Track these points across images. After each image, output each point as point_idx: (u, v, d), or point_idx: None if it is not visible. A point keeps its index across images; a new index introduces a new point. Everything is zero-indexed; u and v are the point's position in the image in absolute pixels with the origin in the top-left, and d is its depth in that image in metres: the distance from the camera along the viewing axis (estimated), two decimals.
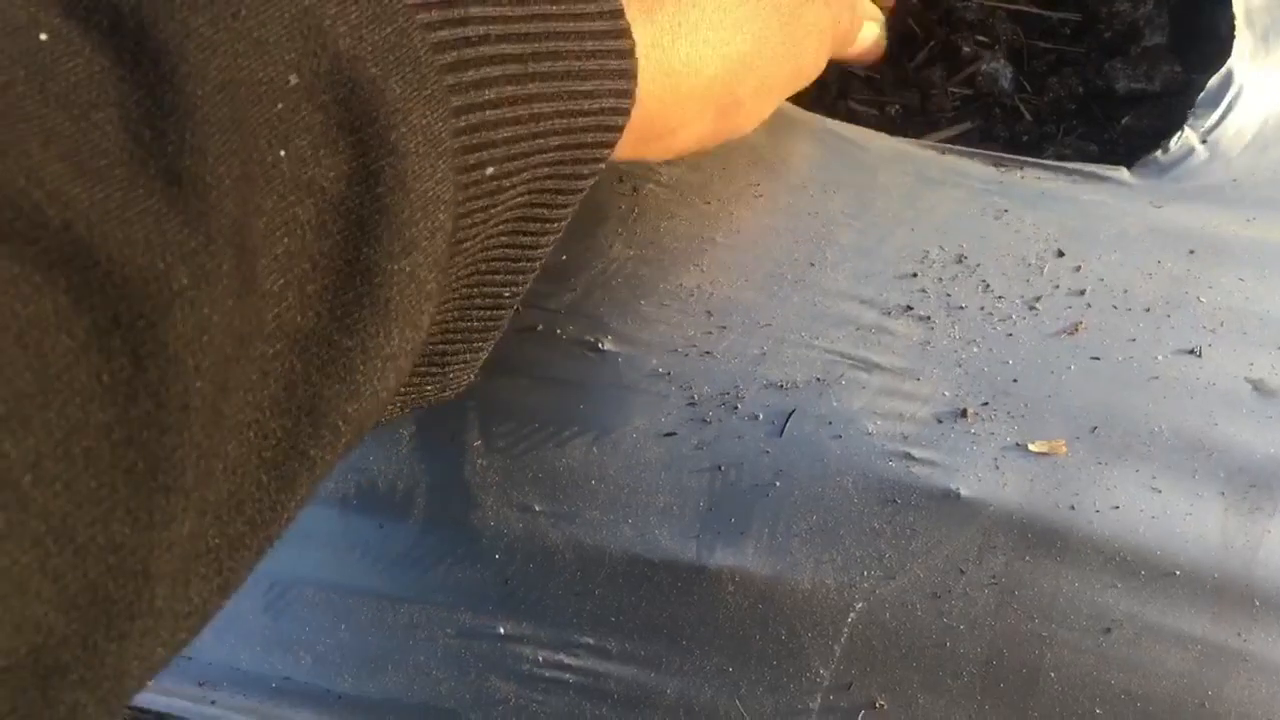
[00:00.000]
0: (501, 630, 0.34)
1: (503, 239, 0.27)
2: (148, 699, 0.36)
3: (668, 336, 0.34)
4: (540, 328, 0.34)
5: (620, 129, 0.28)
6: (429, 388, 0.28)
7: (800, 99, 0.42)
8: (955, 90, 0.43)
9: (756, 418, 0.33)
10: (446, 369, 0.28)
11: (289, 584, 0.35)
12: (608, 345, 0.34)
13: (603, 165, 0.28)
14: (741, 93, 0.33)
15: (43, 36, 0.19)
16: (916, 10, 0.45)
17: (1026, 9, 0.45)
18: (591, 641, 0.34)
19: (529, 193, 0.26)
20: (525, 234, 0.27)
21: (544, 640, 0.34)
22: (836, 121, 0.38)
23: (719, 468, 0.33)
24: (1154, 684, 0.31)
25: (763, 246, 0.35)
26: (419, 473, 0.35)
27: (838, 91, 0.44)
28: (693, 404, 0.34)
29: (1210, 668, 0.31)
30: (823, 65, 0.36)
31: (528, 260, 0.28)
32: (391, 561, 0.35)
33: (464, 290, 0.27)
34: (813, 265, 0.35)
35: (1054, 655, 0.31)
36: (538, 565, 0.34)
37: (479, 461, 0.34)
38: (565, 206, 0.28)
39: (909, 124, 0.43)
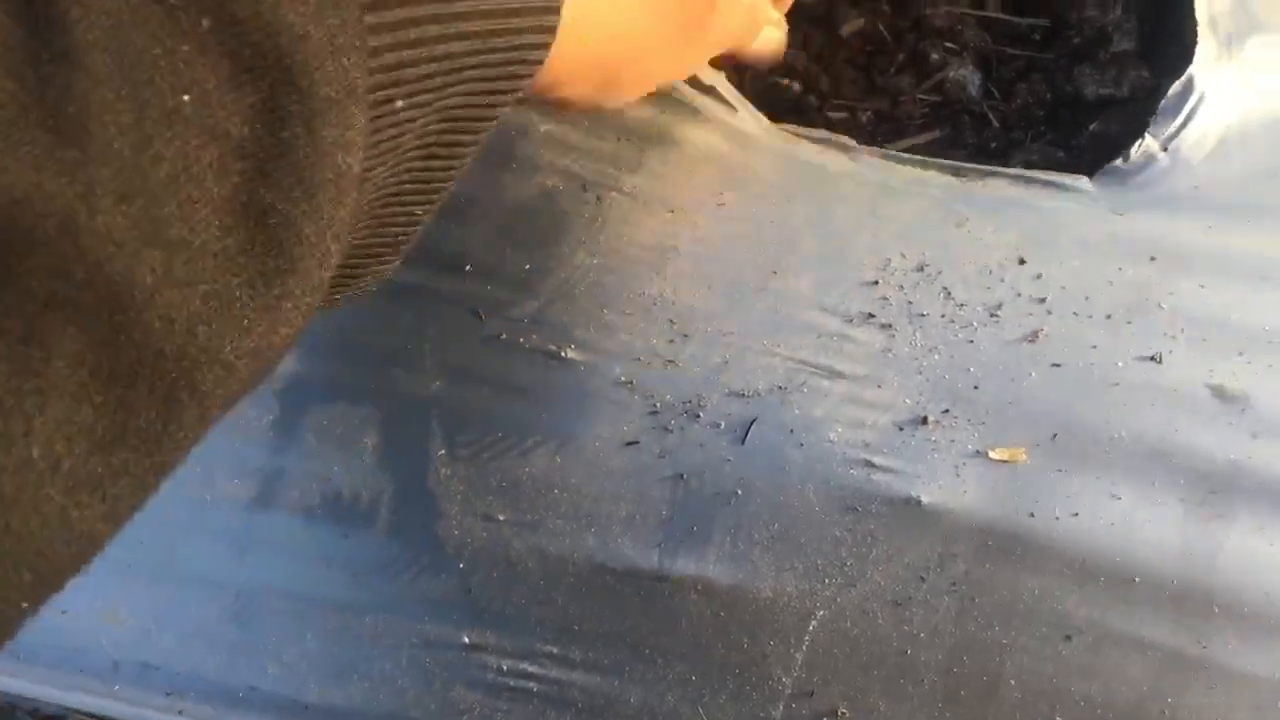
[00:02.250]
0: (466, 639, 0.34)
1: (415, 164, 0.27)
2: (115, 709, 0.36)
3: (630, 345, 0.34)
4: (503, 336, 0.34)
5: (534, 70, 0.28)
6: (336, 295, 0.28)
7: (779, 107, 0.42)
8: (924, 97, 0.44)
9: (719, 426, 0.33)
10: (358, 279, 0.28)
11: (255, 594, 0.35)
12: (571, 354, 0.34)
13: (519, 94, 0.28)
14: (625, 76, 0.33)
15: None
16: (887, 18, 0.45)
17: (996, 15, 0.45)
18: (555, 650, 0.34)
19: (440, 120, 0.26)
20: (437, 158, 0.27)
21: (508, 649, 0.34)
22: (796, 130, 0.38)
23: (681, 476, 0.33)
24: (1115, 691, 0.31)
25: (725, 255, 0.35)
26: (383, 482, 0.35)
27: (818, 103, 0.44)
28: (655, 413, 0.34)
29: (1171, 674, 0.31)
30: (703, 63, 0.37)
31: (440, 182, 0.28)
32: (357, 571, 0.35)
33: (376, 211, 0.27)
34: (775, 273, 0.35)
35: (1014, 662, 0.31)
36: (501, 574, 0.34)
37: (442, 471, 0.34)
38: (480, 132, 0.28)
39: (879, 130, 0.43)
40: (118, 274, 0.20)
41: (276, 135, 0.22)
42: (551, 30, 0.28)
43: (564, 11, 0.28)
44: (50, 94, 0.19)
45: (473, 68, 0.26)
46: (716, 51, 0.37)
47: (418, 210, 0.28)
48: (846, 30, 0.45)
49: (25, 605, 0.20)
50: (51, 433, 0.20)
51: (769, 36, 0.41)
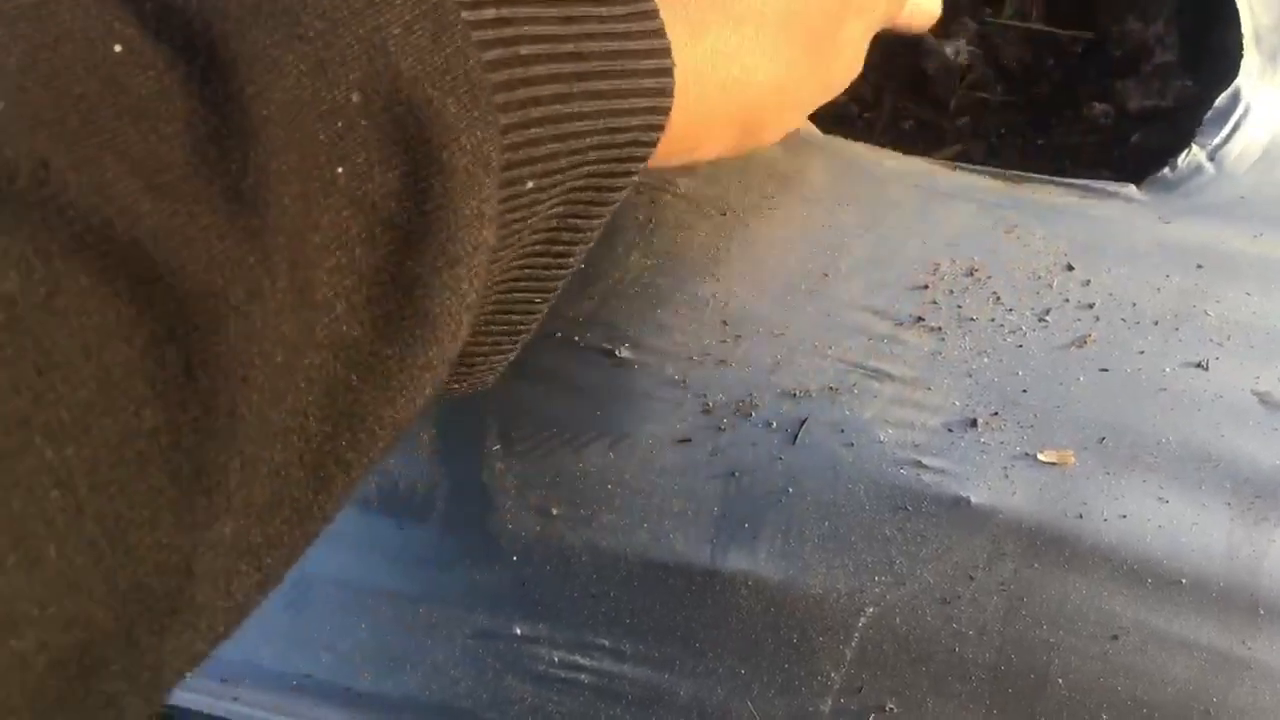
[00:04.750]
0: (518, 631, 0.35)
1: (537, 248, 0.27)
2: (172, 695, 0.37)
3: (683, 345, 0.35)
4: (559, 335, 0.35)
5: (654, 144, 0.29)
6: (455, 385, 0.29)
7: (821, 115, 0.42)
8: (964, 107, 0.44)
9: (770, 425, 0.34)
10: (474, 368, 0.29)
11: (311, 583, 0.36)
12: (625, 353, 0.35)
13: (636, 178, 0.29)
14: (768, 113, 0.33)
15: (117, 48, 0.19)
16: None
17: (1038, 28, 0.45)
18: (606, 643, 0.34)
19: (564, 204, 0.27)
20: (559, 243, 0.28)
21: (560, 641, 0.34)
22: (847, 140, 0.39)
23: (733, 474, 0.34)
24: (1160, 690, 0.32)
25: (777, 258, 0.36)
26: (439, 475, 0.35)
27: (859, 111, 0.45)
28: (707, 411, 0.34)
29: (1215, 675, 0.32)
30: (855, 74, 0.37)
31: (560, 268, 0.28)
32: (411, 562, 0.36)
33: (498, 296, 0.27)
34: (826, 276, 0.36)
35: (1061, 661, 0.32)
36: (554, 567, 0.34)
37: (497, 465, 0.35)
38: (598, 217, 0.29)
39: (921, 138, 0.43)
40: (286, 337, 0.21)
41: (420, 208, 0.23)
42: (665, 111, 0.28)
43: (679, 75, 0.28)
44: (232, 166, 0.20)
45: (595, 149, 0.27)
46: (859, 61, 0.37)
47: (536, 299, 0.28)
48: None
49: (186, 672, 0.21)
50: (241, 512, 0.21)
51: (919, 3, 0.40)
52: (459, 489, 0.35)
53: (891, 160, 0.39)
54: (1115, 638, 0.32)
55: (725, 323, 0.35)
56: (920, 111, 0.44)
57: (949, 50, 0.44)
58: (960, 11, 0.46)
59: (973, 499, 0.33)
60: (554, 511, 0.34)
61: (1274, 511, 0.32)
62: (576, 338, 0.35)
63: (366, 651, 0.36)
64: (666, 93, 0.28)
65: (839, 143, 0.39)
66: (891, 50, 0.45)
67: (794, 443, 0.34)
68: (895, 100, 0.44)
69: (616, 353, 0.35)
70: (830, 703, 0.33)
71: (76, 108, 0.18)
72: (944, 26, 0.45)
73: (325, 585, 0.36)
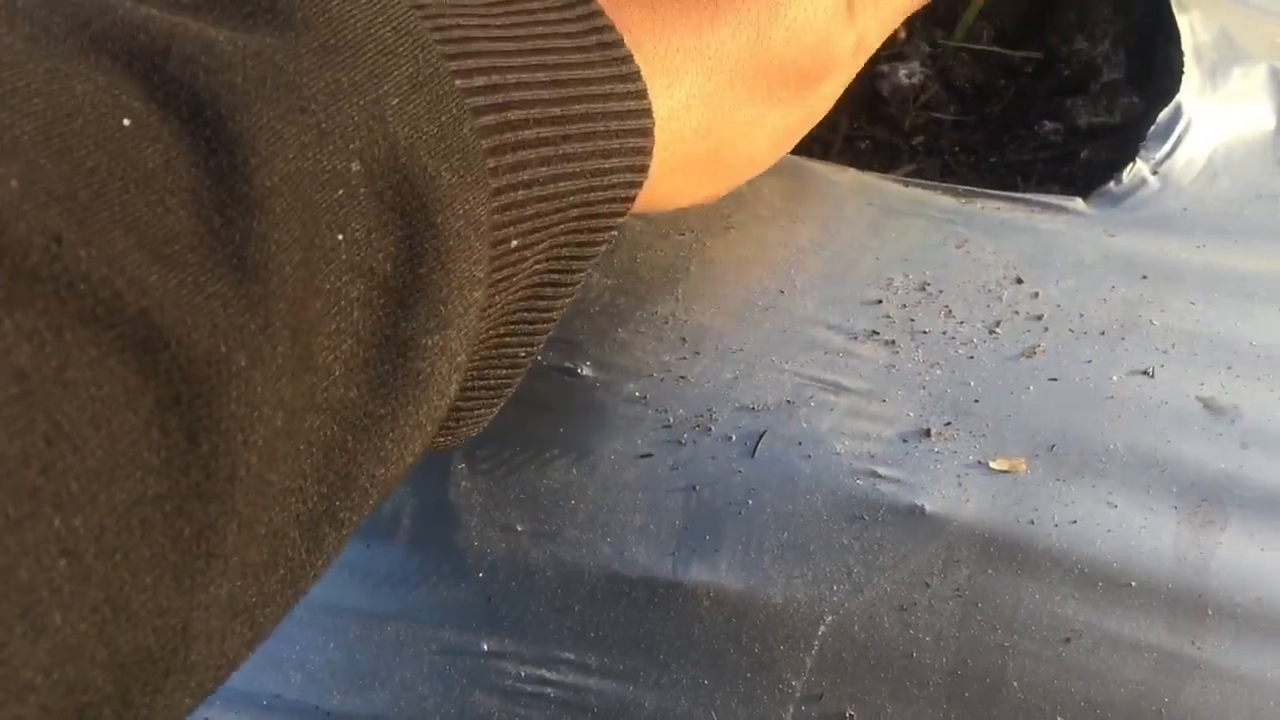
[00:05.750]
0: (485, 647, 0.35)
1: (522, 304, 0.28)
2: None
3: (644, 362, 0.36)
4: None
5: (633, 199, 0.29)
6: (442, 438, 0.29)
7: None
8: (919, 127, 0.45)
9: (729, 439, 0.35)
10: (460, 423, 0.29)
11: None
12: (586, 371, 0.36)
13: (616, 231, 0.30)
14: (746, 155, 0.34)
15: (126, 122, 0.20)
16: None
17: (990, 49, 0.47)
18: (572, 657, 0.35)
19: (547, 260, 0.28)
20: (542, 298, 0.29)
21: (526, 656, 0.35)
22: (802, 159, 0.40)
23: (693, 487, 0.34)
24: (1113, 691, 0.32)
25: (735, 275, 0.37)
26: (404, 494, 0.36)
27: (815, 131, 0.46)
28: (668, 426, 0.35)
29: (1166, 675, 0.32)
30: (833, 102, 0.37)
31: (544, 322, 0.29)
32: (378, 580, 0.36)
33: (484, 352, 0.28)
34: (782, 293, 0.36)
35: (1016, 665, 0.33)
36: (519, 583, 0.35)
37: (463, 483, 0.35)
38: (580, 271, 0.29)
39: (876, 158, 0.44)
40: (286, 401, 0.21)
41: (415, 271, 0.23)
42: (644, 168, 0.29)
43: (657, 125, 0.29)
44: (236, 235, 0.20)
45: (577, 206, 0.28)
46: (839, 90, 0.36)
47: (521, 353, 0.29)
48: None
49: None
50: (237, 573, 0.21)
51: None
52: (425, 507, 0.36)
53: (846, 178, 0.40)
54: (1068, 640, 0.32)
55: (684, 340, 0.36)
56: (876, 132, 0.45)
57: (903, 72, 0.45)
58: (914, 35, 0.47)
59: (927, 507, 0.33)
60: (519, 528, 0.35)
61: (1220, 514, 0.33)
62: (539, 357, 0.36)
63: (336, 670, 0.36)
64: (646, 151, 0.29)
65: (794, 161, 0.40)
66: None
67: (753, 456, 0.34)
68: (851, 121, 0.45)
69: (578, 370, 0.36)
70: (792, 710, 0.33)
71: (88, 182, 0.19)
72: (898, 49, 0.46)
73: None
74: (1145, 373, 0.35)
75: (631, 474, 0.35)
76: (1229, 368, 0.35)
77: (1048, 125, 0.44)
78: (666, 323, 0.36)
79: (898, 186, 0.39)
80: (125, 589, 0.19)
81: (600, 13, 0.29)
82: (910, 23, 0.44)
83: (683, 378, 0.35)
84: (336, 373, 0.22)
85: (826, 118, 0.45)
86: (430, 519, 0.36)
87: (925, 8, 0.37)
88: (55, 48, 0.20)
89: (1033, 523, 0.33)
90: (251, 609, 0.22)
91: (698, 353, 0.36)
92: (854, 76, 0.37)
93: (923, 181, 0.40)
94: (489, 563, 0.35)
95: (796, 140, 0.37)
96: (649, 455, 0.35)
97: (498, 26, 0.27)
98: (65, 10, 0.21)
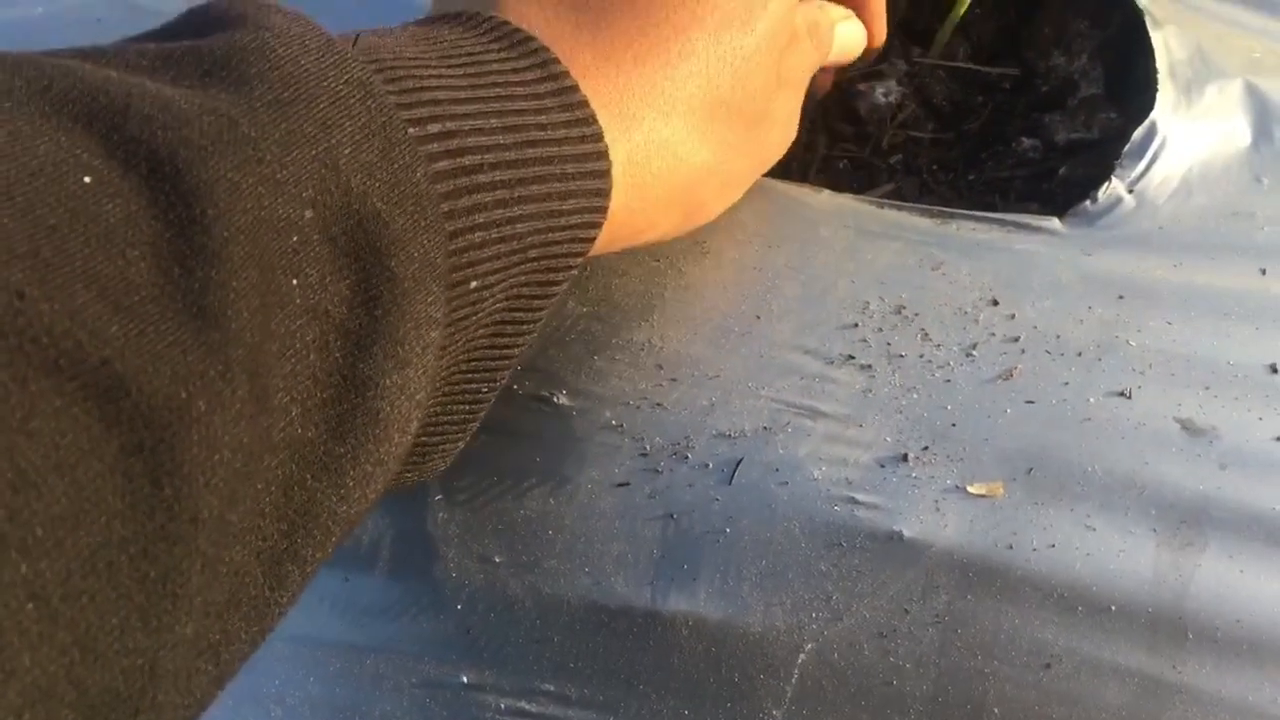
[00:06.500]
0: (464, 679, 0.35)
1: (482, 342, 0.29)
2: None
3: (620, 390, 0.36)
4: None
5: (592, 240, 0.30)
6: (408, 474, 0.30)
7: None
8: (897, 145, 0.45)
9: (706, 466, 0.34)
10: (426, 459, 0.30)
11: None
12: (562, 399, 0.36)
13: (574, 271, 0.30)
14: (707, 193, 0.35)
15: (86, 179, 0.21)
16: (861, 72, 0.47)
17: (967, 66, 0.47)
18: (552, 688, 0.35)
19: (507, 299, 0.29)
20: (503, 335, 0.29)
21: (506, 688, 0.35)
22: (777, 181, 0.40)
23: (671, 516, 0.34)
24: (1094, 716, 0.32)
25: (710, 301, 0.37)
26: (383, 526, 0.36)
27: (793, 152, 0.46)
28: (645, 454, 0.35)
29: (1147, 699, 0.32)
30: (791, 139, 0.38)
31: (505, 358, 0.30)
32: (357, 613, 0.36)
33: (447, 389, 0.29)
34: (758, 318, 0.36)
35: (997, 691, 0.32)
36: (499, 615, 0.35)
37: (440, 515, 0.35)
38: (541, 309, 0.30)
39: (854, 179, 0.44)
40: (244, 444, 0.22)
41: (371, 313, 0.24)
42: (603, 209, 0.30)
43: (615, 169, 0.30)
44: (195, 285, 0.21)
45: (536, 246, 0.28)
46: (795, 125, 0.38)
47: (483, 389, 0.30)
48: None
49: None
50: (201, 612, 0.21)
51: (844, 36, 0.40)
52: (403, 539, 0.36)
53: (821, 200, 0.39)
54: (1048, 666, 0.32)
55: (660, 367, 0.36)
56: (854, 151, 0.45)
57: (880, 91, 0.45)
58: (890, 53, 0.47)
59: (906, 533, 0.33)
60: (497, 559, 0.35)
61: (1199, 536, 0.33)
62: (515, 385, 0.36)
63: (316, 704, 0.36)
64: (604, 193, 0.30)
65: (769, 184, 0.39)
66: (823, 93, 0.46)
67: (730, 483, 0.34)
68: (829, 141, 0.45)
69: (554, 399, 0.36)
70: None
71: (50, 238, 0.20)
72: (875, 67, 0.46)
73: (273, 640, 0.36)
74: (1123, 394, 0.35)
75: (609, 503, 0.35)
76: (1206, 388, 0.35)
77: (1026, 142, 0.44)
78: (643, 350, 0.36)
79: (873, 208, 0.39)
80: (92, 631, 0.19)
81: (555, 60, 0.30)
82: (887, 41, 0.44)
83: (659, 405, 0.35)
84: (294, 413, 0.23)
85: (804, 138, 0.46)
86: (408, 551, 0.35)
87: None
88: (18, 110, 0.21)
89: (1011, 547, 0.33)
90: (217, 647, 0.22)
91: (674, 380, 0.36)
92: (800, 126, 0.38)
93: (898, 203, 0.40)
94: (468, 594, 0.35)
95: (760, 173, 0.38)
96: (626, 484, 0.35)
97: (451, 77, 0.27)
98: (27, 74, 0.22)
